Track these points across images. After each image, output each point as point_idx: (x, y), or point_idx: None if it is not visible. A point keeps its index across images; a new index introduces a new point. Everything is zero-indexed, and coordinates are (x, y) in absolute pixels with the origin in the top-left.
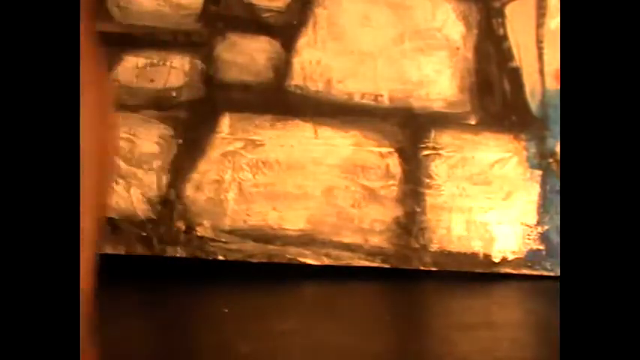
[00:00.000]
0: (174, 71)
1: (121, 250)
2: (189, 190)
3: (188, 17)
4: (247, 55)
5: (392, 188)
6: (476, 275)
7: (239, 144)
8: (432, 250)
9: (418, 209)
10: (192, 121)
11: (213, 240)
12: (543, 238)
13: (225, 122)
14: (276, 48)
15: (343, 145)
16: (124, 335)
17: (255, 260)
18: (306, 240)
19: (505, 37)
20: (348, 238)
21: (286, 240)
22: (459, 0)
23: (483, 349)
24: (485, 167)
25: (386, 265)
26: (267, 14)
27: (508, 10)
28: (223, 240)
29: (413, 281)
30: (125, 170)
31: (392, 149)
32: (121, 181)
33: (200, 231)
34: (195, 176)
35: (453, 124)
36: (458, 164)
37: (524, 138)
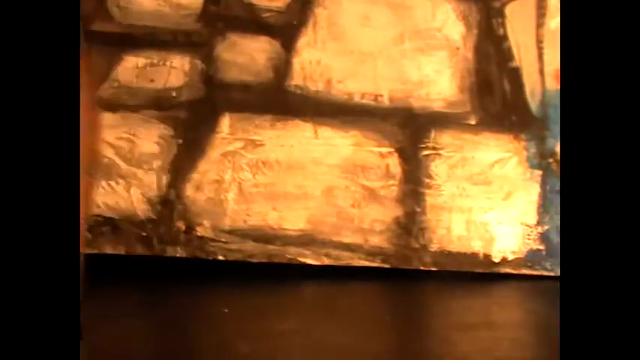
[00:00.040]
0: (174, 71)
1: (121, 250)
2: (189, 190)
3: (188, 17)
4: (247, 55)
5: (392, 188)
6: (476, 275)
7: (239, 144)
8: (432, 250)
9: (418, 209)
10: (192, 121)
11: (213, 240)
12: (543, 238)
13: (225, 122)
14: (276, 48)
15: (343, 145)
16: (124, 335)
17: (255, 260)
18: (306, 240)
19: (505, 37)
20: (348, 238)
21: (286, 240)
22: (459, 0)
23: (483, 349)
24: (485, 167)
25: (386, 265)
26: (267, 14)
27: (508, 10)
28: (223, 240)
29: (413, 281)
30: (125, 170)
31: (392, 149)
32: (121, 181)
33: (200, 231)
34: (195, 176)
35: (453, 124)
36: (458, 164)
37: (524, 138)
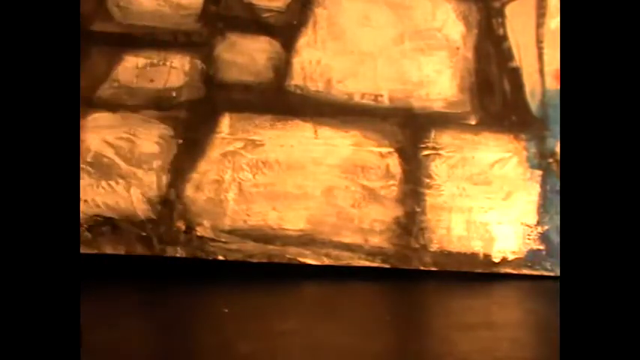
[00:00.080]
0: (174, 71)
1: (120, 250)
2: (189, 190)
3: (188, 17)
4: (247, 55)
5: (392, 188)
6: (476, 275)
7: (239, 144)
8: (432, 250)
9: (418, 209)
10: (192, 121)
11: (213, 240)
12: (543, 238)
13: (225, 122)
14: (276, 48)
15: (343, 145)
16: (124, 335)
17: (255, 260)
18: (306, 240)
19: (505, 37)
20: (348, 238)
21: (286, 240)
22: (459, 0)
23: (483, 349)
24: (485, 167)
25: (386, 265)
26: (267, 14)
27: (508, 10)
28: (223, 240)
29: (413, 281)
30: (125, 170)
31: (392, 149)
32: (121, 181)
33: (200, 231)
34: (195, 176)
35: (453, 124)
36: (458, 164)
37: (524, 138)
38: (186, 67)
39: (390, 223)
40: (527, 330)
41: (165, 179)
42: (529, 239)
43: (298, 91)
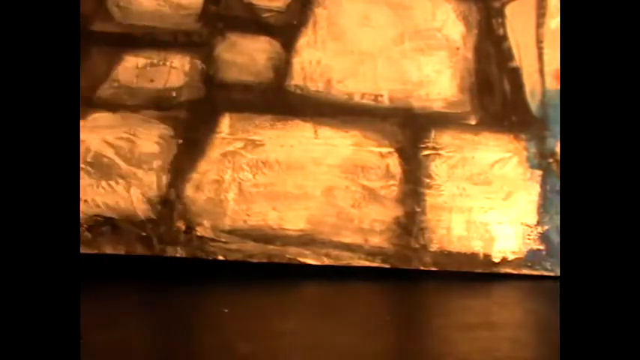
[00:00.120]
0: (174, 71)
1: (121, 250)
2: (189, 190)
3: (188, 17)
4: (247, 55)
5: (392, 188)
6: (476, 275)
7: (239, 144)
8: (432, 250)
9: (418, 209)
10: (192, 121)
11: (213, 240)
12: (543, 238)
13: (225, 122)
14: (276, 48)
15: (343, 145)
16: (124, 335)
17: (255, 260)
18: (306, 240)
19: (505, 37)
20: (348, 238)
21: (286, 240)
22: (459, 0)
23: (483, 349)
24: (486, 167)
25: (386, 265)
26: (267, 14)
27: (508, 10)
28: (223, 240)
29: (413, 281)
30: (125, 170)
31: (392, 149)
32: (121, 181)
33: (200, 231)
34: (195, 176)
35: (453, 124)
36: (458, 164)
37: (524, 138)
38: (186, 67)
39: (390, 223)
40: (527, 330)
41: (165, 179)
42: (529, 239)
43: (298, 91)
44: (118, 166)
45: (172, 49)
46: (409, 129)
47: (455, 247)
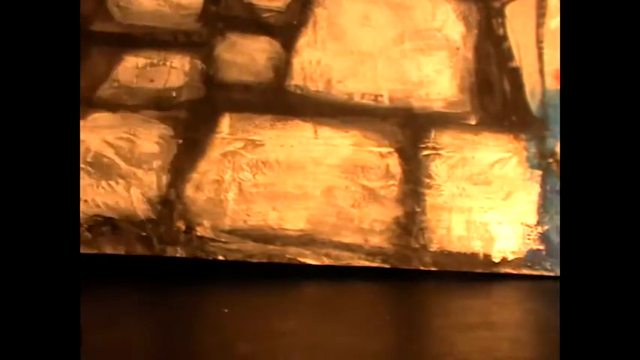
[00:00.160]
0: (174, 71)
1: (121, 250)
2: (189, 190)
3: (188, 17)
4: (247, 55)
5: (392, 188)
6: (476, 275)
7: (239, 144)
8: (432, 250)
9: (418, 209)
10: (192, 121)
11: (213, 240)
12: (543, 238)
13: (225, 122)
14: (276, 48)
15: (343, 145)
16: (124, 335)
17: (255, 260)
18: (306, 240)
19: (505, 37)
20: (348, 238)
21: (286, 240)
22: (459, 0)
23: (483, 349)
24: (486, 167)
25: (386, 265)
26: (267, 14)
27: (508, 10)
28: (223, 240)
29: (413, 281)
30: (125, 170)
31: (392, 149)
32: (121, 181)
33: (200, 231)
34: (195, 176)
35: (453, 124)
36: (458, 164)
37: (524, 138)
38: (186, 67)
39: (390, 223)
40: (527, 330)
41: (165, 179)
42: (529, 239)
43: (298, 91)
44: (118, 166)
45: (172, 49)
46: (409, 129)
47: (455, 247)
